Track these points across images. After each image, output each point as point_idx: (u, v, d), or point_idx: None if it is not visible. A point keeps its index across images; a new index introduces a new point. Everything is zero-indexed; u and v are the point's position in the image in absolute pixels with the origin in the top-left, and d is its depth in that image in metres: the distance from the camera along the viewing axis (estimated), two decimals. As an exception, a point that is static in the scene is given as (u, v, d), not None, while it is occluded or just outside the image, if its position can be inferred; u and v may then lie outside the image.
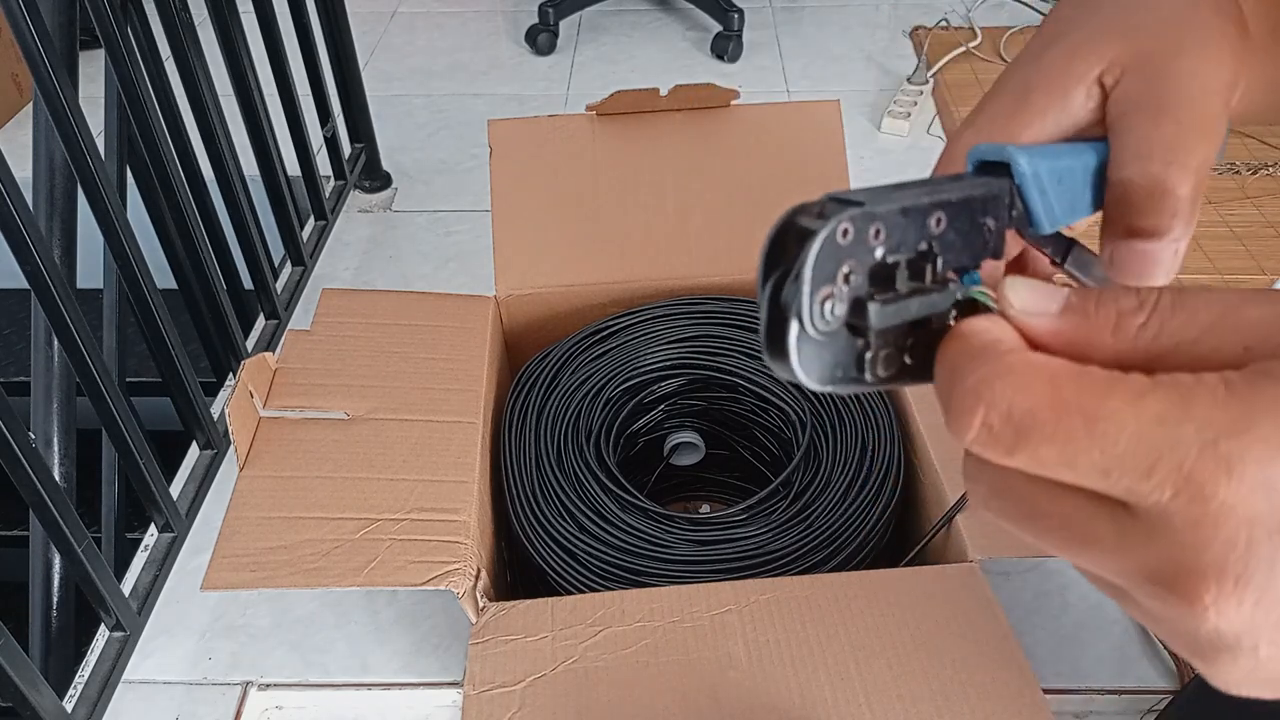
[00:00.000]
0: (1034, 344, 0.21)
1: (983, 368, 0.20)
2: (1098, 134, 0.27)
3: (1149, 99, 0.25)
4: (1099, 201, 0.26)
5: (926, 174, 0.28)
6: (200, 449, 0.89)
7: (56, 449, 0.75)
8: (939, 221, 0.23)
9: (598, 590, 0.60)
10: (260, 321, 1.03)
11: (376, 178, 1.28)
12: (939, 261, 0.23)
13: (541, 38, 1.60)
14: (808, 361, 0.22)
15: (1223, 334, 0.19)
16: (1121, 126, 0.26)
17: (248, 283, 1.00)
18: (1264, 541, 0.17)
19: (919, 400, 0.69)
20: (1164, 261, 0.23)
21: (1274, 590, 0.17)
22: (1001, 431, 0.19)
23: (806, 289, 0.21)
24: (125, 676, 0.73)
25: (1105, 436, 0.18)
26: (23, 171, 0.65)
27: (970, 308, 0.23)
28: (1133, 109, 0.26)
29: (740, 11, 1.55)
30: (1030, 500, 0.20)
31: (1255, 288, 0.21)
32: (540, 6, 1.59)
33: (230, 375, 0.95)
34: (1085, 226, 0.27)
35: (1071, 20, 0.27)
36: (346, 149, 1.24)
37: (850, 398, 0.71)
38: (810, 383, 0.22)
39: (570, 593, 0.61)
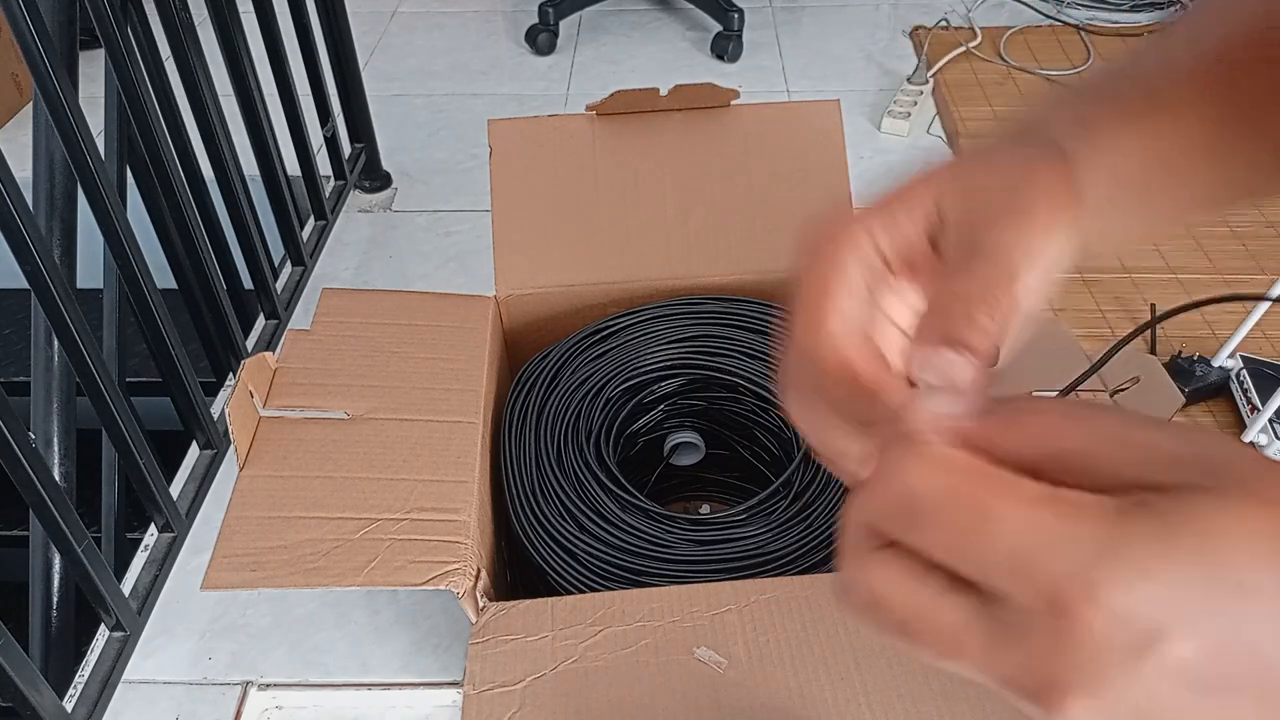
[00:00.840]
0: (948, 440, 0.23)
1: (900, 449, 0.22)
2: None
3: (966, 251, 0.28)
4: None
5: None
6: (200, 449, 0.89)
7: (56, 449, 0.75)
8: None
9: (598, 590, 0.60)
10: (260, 321, 1.03)
11: (376, 178, 1.28)
12: None
13: (541, 38, 1.60)
14: None
15: (1121, 449, 0.21)
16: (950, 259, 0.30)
17: (248, 283, 1.00)
18: (1117, 665, 0.19)
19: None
20: (962, 378, 0.25)
21: (1127, 704, 0.19)
22: (902, 508, 0.21)
23: None
24: (125, 676, 0.73)
25: (990, 535, 0.20)
26: (23, 171, 0.65)
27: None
28: (955, 253, 0.29)
29: (740, 11, 1.55)
30: (906, 604, 0.22)
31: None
32: (540, 6, 1.59)
33: (230, 375, 0.95)
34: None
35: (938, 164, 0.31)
36: (346, 149, 1.24)
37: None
38: None
39: (570, 593, 0.61)
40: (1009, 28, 1.62)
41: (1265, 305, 0.90)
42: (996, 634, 0.21)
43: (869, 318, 0.30)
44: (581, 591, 0.61)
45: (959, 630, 0.21)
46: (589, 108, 0.81)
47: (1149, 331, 1.02)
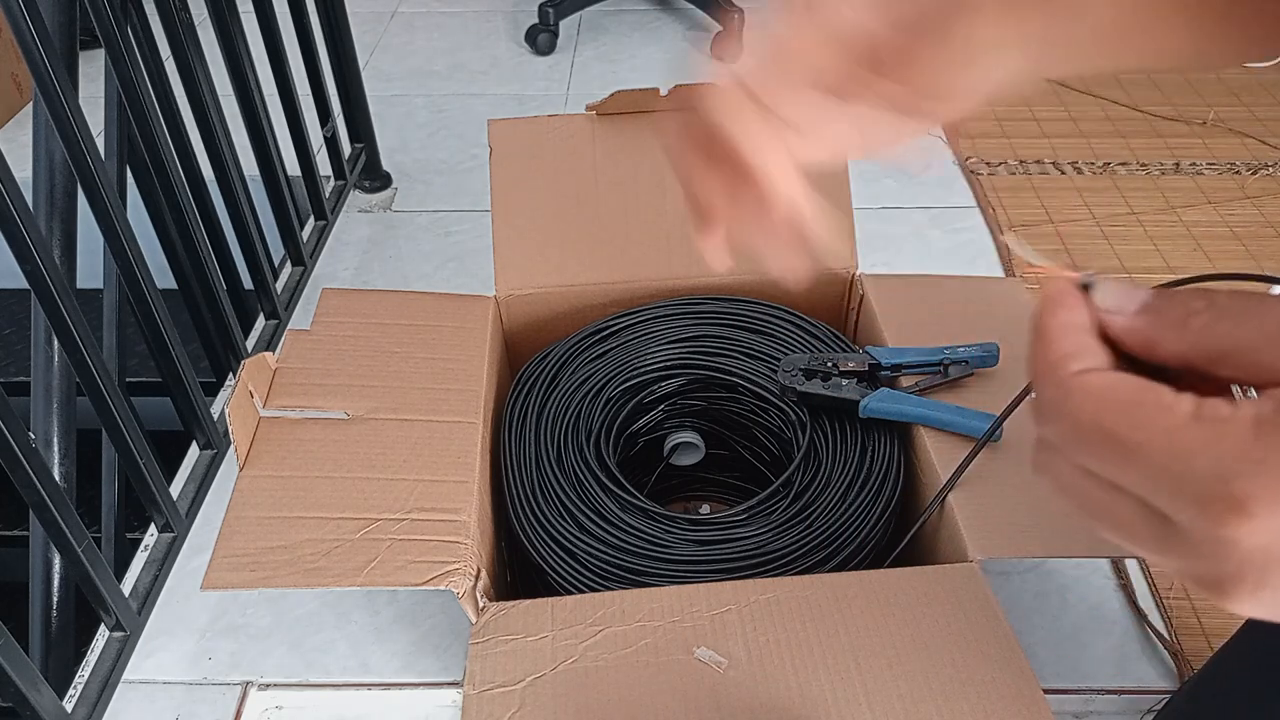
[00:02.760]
0: (1112, 337, 0.24)
1: (1056, 386, 0.24)
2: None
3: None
4: None
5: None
6: (200, 449, 0.89)
7: (56, 449, 0.75)
8: None
9: (598, 590, 0.60)
10: (260, 321, 1.03)
11: (376, 178, 1.28)
12: None
13: (541, 38, 1.60)
14: None
15: (1272, 346, 0.22)
16: None
17: (248, 283, 1.00)
18: (1277, 564, 0.20)
19: (919, 400, 0.69)
20: None
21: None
22: (1064, 440, 0.23)
23: None
24: (125, 676, 0.73)
25: (1141, 462, 0.22)
26: (23, 171, 0.65)
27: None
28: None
29: (740, 11, 1.55)
30: (1087, 496, 0.24)
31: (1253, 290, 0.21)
32: (540, 6, 1.59)
33: (230, 375, 0.95)
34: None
35: None
36: (346, 149, 1.24)
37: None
38: None
39: (570, 593, 0.61)
40: (1009, 28, 1.62)
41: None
42: (1165, 538, 0.22)
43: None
44: (581, 591, 0.61)
45: (1134, 527, 0.23)
46: (589, 108, 0.81)
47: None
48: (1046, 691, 0.52)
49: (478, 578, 0.57)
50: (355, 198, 1.27)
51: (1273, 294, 0.22)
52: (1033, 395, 0.25)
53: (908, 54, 0.31)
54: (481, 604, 0.57)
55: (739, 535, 0.64)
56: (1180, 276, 0.36)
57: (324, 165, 1.21)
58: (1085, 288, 0.25)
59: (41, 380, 0.74)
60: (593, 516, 0.65)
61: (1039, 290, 0.26)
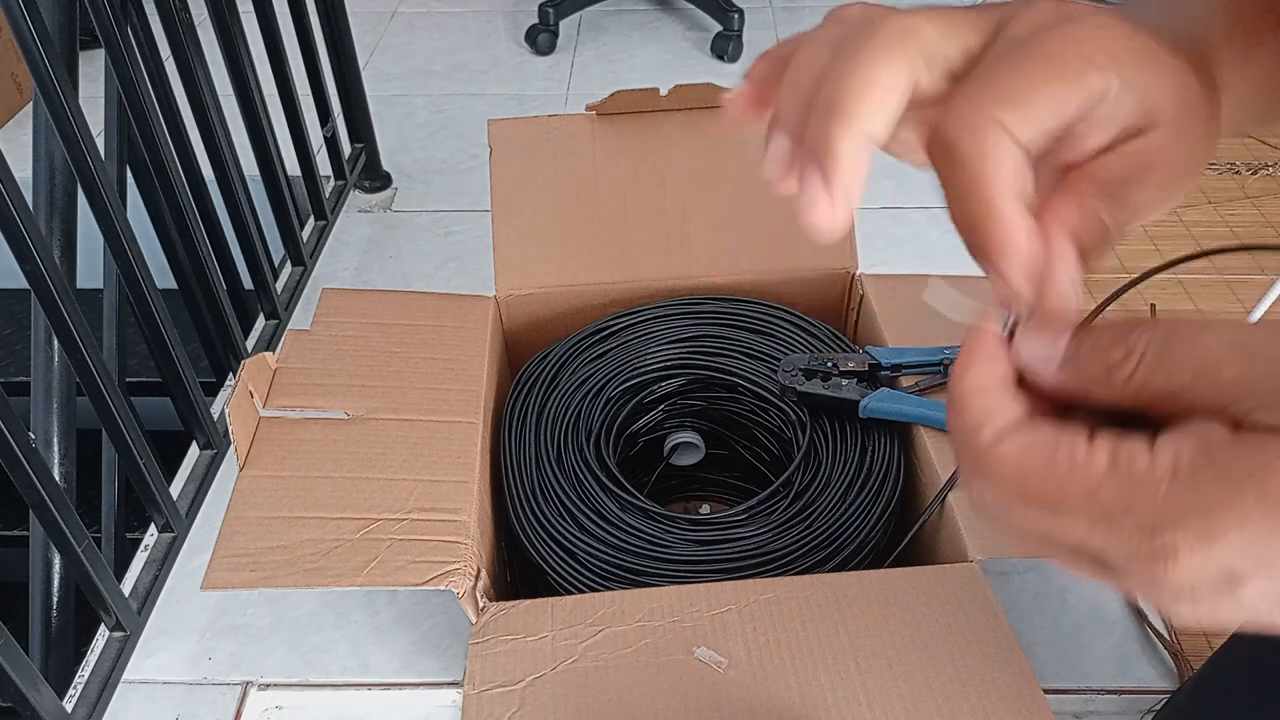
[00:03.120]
0: (1040, 391, 0.25)
1: (972, 456, 0.24)
2: None
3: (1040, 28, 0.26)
4: None
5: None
6: (200, 449, 0.89)
7: (56, 449, 0.75)
8: None
9: (598, 590, 0.60)
10: (260, 321, 1.03)
11: (376, 178, 1.28)
12: None
13: (541, 38, 1.60)
14: None
15: (1199, 391, 0.22)
16: None
17: (248, 283, 1.00)
18: (1210, 597, 0.21)
19: (919, 400, 0.69)
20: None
21: (1226, 617, 0.22)
22: (993, 504, 0.24)
23: None
24: (125, 676, 0.73)
25: (1069, 522, 0.22)
26: (23, 171, 0.65)
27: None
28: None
29: (740, 11, 1.55)
30: (1026, 540, 0.24)
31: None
32: (540, 6, 1.59)
33: (230, 375, 0.95)
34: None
35: None
36: (346, 149, 1.24)
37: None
38: None
39: (570, 593, 0.61)
40: (1009, 28, 1.62)
41: (1264, 306, 0.90)
42: (1106, 573, 0.23)
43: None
44: (581, 591, 0.61)
45: (1077, 565, 0.24)
46: (589, 108, 0.81)
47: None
48: (1046, 691, 0.52)
49: (478, 578, 0.57)
50: (355, 198, 1.27)
51: (1205, 322, 0.22)
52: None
53: None
54: (481, 604, 0.57)
55: (739, 535, 0.64)
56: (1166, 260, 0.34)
57: (324, 165, 1.21)
58: (1011, 334, 0.25)
59: (41, 380, 0.74)
60: (593, 516, 0.65)
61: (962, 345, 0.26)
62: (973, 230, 0.25)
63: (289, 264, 1.10)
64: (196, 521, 0.84)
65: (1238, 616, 0.22)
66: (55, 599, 0.74)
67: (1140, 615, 0.74)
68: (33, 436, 0.61)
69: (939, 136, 0.25)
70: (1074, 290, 0.25)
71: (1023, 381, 0.25)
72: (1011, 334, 0.25)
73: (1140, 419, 0.24)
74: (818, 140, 0.27)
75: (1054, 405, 0.25)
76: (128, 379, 0.82)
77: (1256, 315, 0.90)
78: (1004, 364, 0.25)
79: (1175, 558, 0.21)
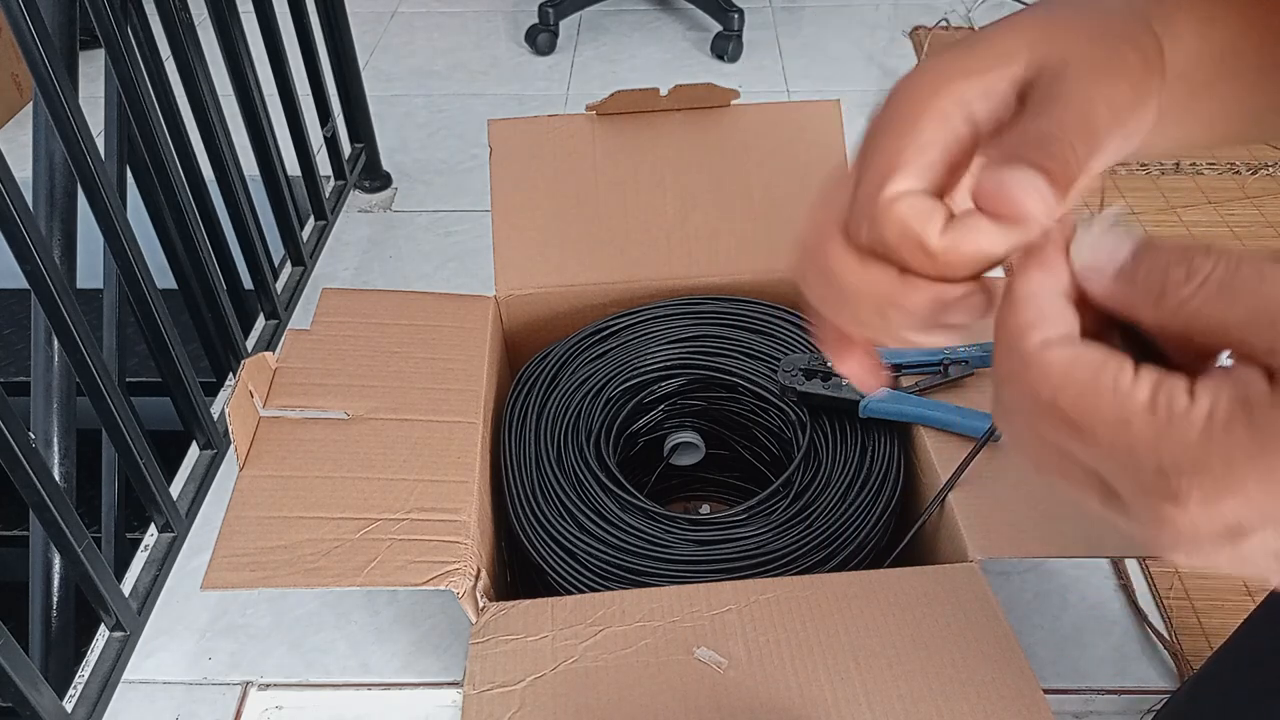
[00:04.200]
0: (1089, 297, 0.24)
1: (1015, 356, 0.23)
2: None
3: (1048, 98, 0.27)
4: None
5: None
6: (200, 449, 0.89)
7: (56, 449, 0.75)
8: None
9: (598, 590, 0.60)
10: (260, 321, 1.03)
11: (376, 178, 1.28)
12: None
13: (541, 38, 1.60)
14: None
15: (1255, 330, 0.21)
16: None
17: (248, 283, 1.00)
18: (1211, 546, 0.22)
19: (919, 400, 0.69)
20: (1044, 200, 0.25)
21: (1225, 564, 0.22)
22: (1020, 409, 0.24)
23: None
24: (125, 676, 0.73)
25: (1091, 443, 0.22)
26: (23, 171, 0.65)
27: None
28: (1037, 103, 0.27)
29: (740, 11, 1.55)
30: (1040, 456, 0.24)
31: None
32: (540, 6, 1.59)
33: (230, 375, 0.95)
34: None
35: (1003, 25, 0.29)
36: (346, 149, 1.24)
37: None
38: None
39: (570, 593, 0.61)
40: (1009, 28, 1.62)
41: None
42: (1111, 502, 0.23)
43: (944, 181, 0.28)
44: (581, 591, 0.61)
45: (1084, 490, 0.24)
46: (589, 108, 0.81)
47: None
48: (1046, 691, 0.52)
49: (478, 578, 0.57)
50: (355, 198, 1.27)
51: (1270, 265, 0.21)
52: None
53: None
54: (481, 604, 0.57)
55: (739, 535, 0.64)
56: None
57: (324, 165, 1.21)
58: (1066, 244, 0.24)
59: (41, 380, 0.74)
60: (593, 516, 0.65)
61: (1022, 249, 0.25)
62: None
63: (289, 264, 1.10)
64: (196, 521, 0.84)
65: (1234, 567, 0.22)
66: (55, 599, 0.74)
67: (1140, 615, 0.74)
68: (33, 436, 0.61)
69: None
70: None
71: (1077, 300, 0.24)
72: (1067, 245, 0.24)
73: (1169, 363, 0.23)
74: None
75: (1100, 329, 0.24)
76: (128, 379, 0.82)
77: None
78: (1065, 276, 0.24)
79: (1187, 503, 0.21)
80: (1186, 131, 0.32)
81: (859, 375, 0.31)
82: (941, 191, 0.28)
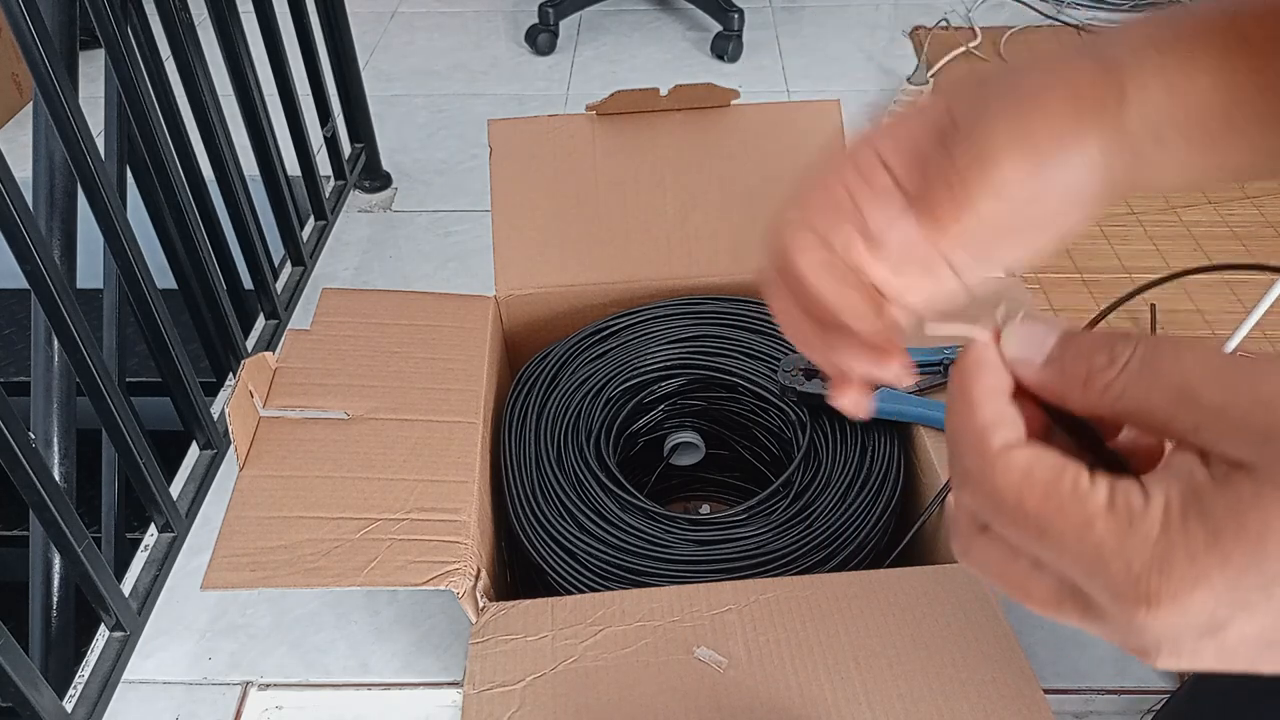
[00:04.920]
0: (1023, 386, 0.25)
1: (979, 458, 0.24)
2: None
3: (961, 134, 0.30)
4: None
5: None
6: (200, 449, 0.89)
7: (56, 449, 0.75)
8: None
9: (598, 590, 0.60)
10: (260, 321, 1.03)
11: (376, 178, 1.28)
12: None
13: (541, 38, 1.60)
14: None
15: (1177, 410, 0.22)
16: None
17: (248, 283, 1.00)
18: (1190, 643, 0.22)
19: (919, 400, 0.69)
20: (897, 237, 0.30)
21: (1207, 660, 0.22)
22: (987, 513, 0.24)
23: None
24: (125, 676, 0.73)
25: (1060, 548, 0.22)
26: (23, 171, 0.65)
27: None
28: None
29: (740, 11, 1.55)
30: (1007, 570, 0.25)
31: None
32: (540, 6, 1.59)
33: (230, 375, 0.95)
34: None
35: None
36: (346, 149, 1.24)
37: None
38: None
39: (570, 593, 0.61)
40: (1009, 28, 1.62)
41: (1264, 306, 0.90)
42: (1086, 613, 0.23)
43: (845, 231, 0.31)
44: (581, 591, 0.61)
45: (1057, 603, 0.24)
46: (589, 108, 0.81)
47: (1150, 331, 1.02)
48: (1046, 691, 0.52)
49: (478, 578, 0.57)
50: (355, 198, 1.27)
51: (1191, 342, 0.22)
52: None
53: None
54: (481, 604, 0.57)
55: (739, 535, 0.64)
56: (1173, 271, 0.37)
57: (324, 165, 1.21)
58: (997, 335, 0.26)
59: (41, 380, 0.74)
60: (593, 516, 0.65)
61: (960, 353, 0.26)
62: None
63: (289, 264, 1.10)
64: (196, 521, 0.84)
65: (1220, 663, 0.22)
66: (55, 599, 0.74)
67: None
68: (33, 436, 0.61)
69: None
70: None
71: (1015, 393, 0.25)
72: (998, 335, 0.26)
73: (1115, 460, 0.25)
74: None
75: (1039, 424, 0.25)
76: (128, 379, 0.82)
77: (1256, 316, 0.90)
78: (1007, 376, 0.25)
79: (1159, 603, 0.21)
80: (1160, 174, 0.32)
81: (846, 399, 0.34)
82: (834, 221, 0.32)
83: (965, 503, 0.25)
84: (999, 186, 0.28)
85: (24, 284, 0.63)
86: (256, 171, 1.02)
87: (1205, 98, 0.29)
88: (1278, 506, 0.20)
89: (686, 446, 0.79)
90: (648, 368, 0.75)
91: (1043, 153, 0.28)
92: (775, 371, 0.73)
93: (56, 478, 0.72)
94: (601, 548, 0.63)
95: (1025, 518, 0.23)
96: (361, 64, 1.24)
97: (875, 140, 0.31)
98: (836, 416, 0.71)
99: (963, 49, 1.55)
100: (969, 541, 0.25)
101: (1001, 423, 0.24)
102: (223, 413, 0.81)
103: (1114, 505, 0.22)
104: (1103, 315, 0.50)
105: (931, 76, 1.45)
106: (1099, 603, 0.23)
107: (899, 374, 0.31)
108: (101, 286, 0.80)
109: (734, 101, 0.82)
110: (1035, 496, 0.23)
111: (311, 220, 1.17)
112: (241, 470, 0.61)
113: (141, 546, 0.80)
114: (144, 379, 1.11)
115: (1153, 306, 1.04)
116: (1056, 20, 1.65)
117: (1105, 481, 0.22)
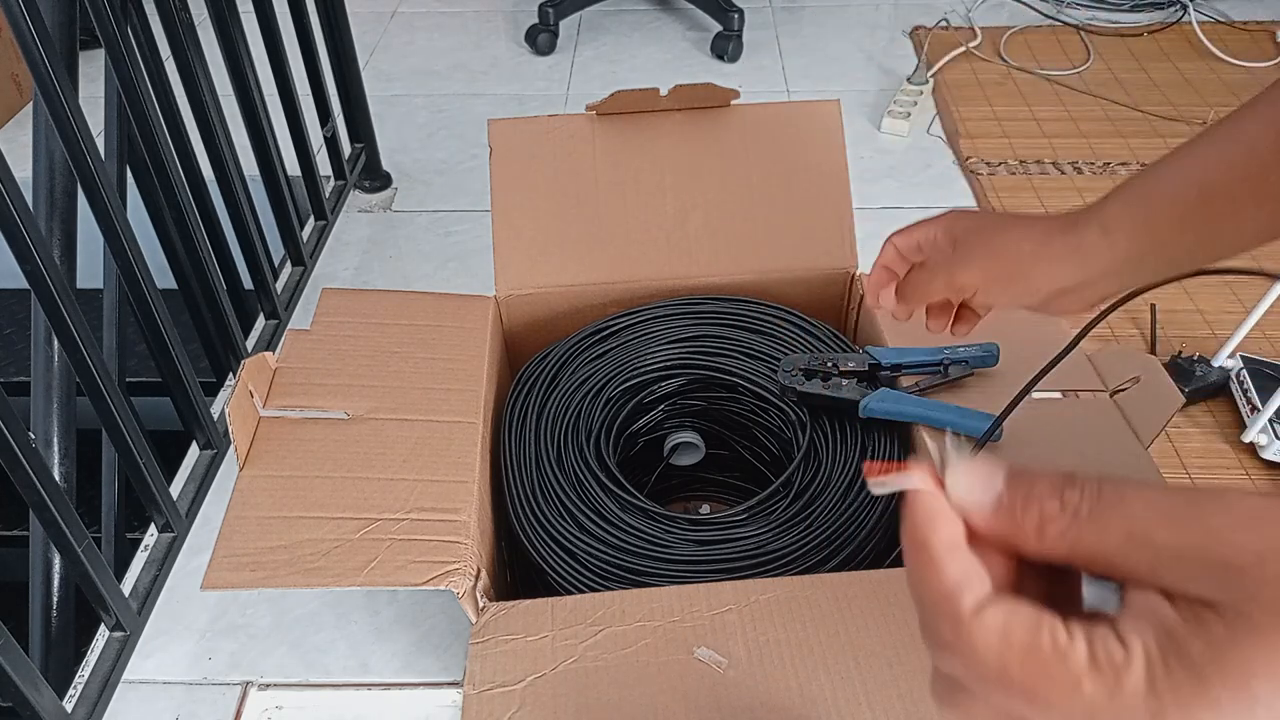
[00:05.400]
0: (974, 530, 0.24)
1: (952, 623, 0.23)
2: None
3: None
4: None
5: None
6: (200, 449, 0.89)
7: (56, 449, 0.75)
8: None
9: (598, 590, 0.60)
10: (260, 321, 1.03)
11: (376, 178, 1.28)
12: None
13: (541, 38, 1.60)
14: None
15: (1132, 553, 0.22)
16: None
17: (248, 283, 1.00)
18: None
19: (919, 400, 0.69)
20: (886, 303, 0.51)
21: None
22: (969, 680, 0.23)
23: None
24: (125, 676, 0.73)
25: (1049, 711, 0.22)
26: (23, 171, 0.65)
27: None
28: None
29: (740, 11, 1.55)
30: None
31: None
32: (540, 6, 1.59)
33: (230, 375, 0.95)
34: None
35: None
36: (346, 149, 1.24)
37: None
38: None
39: (570, 593, 0.61)
40: (1009, 28, 1.62)
41: (1264, 306, 0.90)
42: None
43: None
44: (581, 591, 0.61)
45: None
46: (589, 108, 0.81)
47: (1150, 332, 1.02)
48: (1046, 691, 0.51)
49: (478, 578, 0.57)
50: (355, 198, 1.27)
51: (1137, 483, 0.22)
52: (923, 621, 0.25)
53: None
54: (481, 604, 0.57)
55: (739, 535, 0.64)
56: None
57: (324, 165, 1.21)
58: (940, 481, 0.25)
59: (41, 380, 0.74)
60: (593, 516, 0.65)
61: (908, 505, 0.25)
62: None
63: (289, 264, 1.10)
64: (196, 521, 0.84)
65: None
66: (55, 599, 0.74)
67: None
68: (33, 436, 0.61)
69: None
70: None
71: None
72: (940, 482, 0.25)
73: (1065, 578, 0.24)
74: None
75: (1002, 570, 0.25)
76: (128, 379, 0.82)
77: (1255, 316, 0.90)
78: (960, 523, 0.24)
79: None
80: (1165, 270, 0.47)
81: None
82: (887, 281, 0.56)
83: (946, 670, 0.24)
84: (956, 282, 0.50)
85: (24, 284, 0.63)
86: (256, 171, 1.02)
87: (1131, 254, 0.45)
88: (1254, 646, 0.20)
89: (686, 446, 0.79)
90: (648, 368, 0.75)
91: (1024, 264, 0.48)
92: (775, 371, 0.73)
93: (56, 478, 0.72)
94: (601, 548, 0.63)
95: (1010, 683, 0.22)
96: (361, 64, 1.24)
97: (896, 239, 0.55)
98: (836, 416, 0.71)
99: (963, 49, 1.55)
100: (951, 697, 0.25)
101: (969, 581, 0.23)
102: (223, 413, 0.81)
103: (1096, 661, 0.21)
104: (1103, 316, 0.51)
105: (931, 76, 1.45)
106: None
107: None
108: (101, 286, 0.80)
109: (734, 101, 0.82)
110: (1017, 660, 0.22)
111: (311, 220, 1.17)
112: (241, 470, 0.61)
113: (141, 546, 0.80)
114: (144, 379, 1.11)
115: (1153, 306, 1.04)
116: (1056, 20, 1.65)
117: (1081, 633, 0.22)
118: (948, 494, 0.25)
